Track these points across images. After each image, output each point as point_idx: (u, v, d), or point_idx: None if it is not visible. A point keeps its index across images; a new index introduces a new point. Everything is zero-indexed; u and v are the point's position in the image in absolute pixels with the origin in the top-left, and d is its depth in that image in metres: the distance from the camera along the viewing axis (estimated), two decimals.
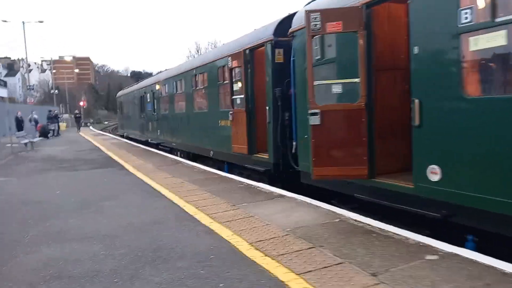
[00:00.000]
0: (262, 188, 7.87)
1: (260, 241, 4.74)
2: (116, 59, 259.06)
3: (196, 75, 13.07)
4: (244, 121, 9.30)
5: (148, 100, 20.07)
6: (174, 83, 15.60)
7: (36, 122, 30.18)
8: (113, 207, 6.99)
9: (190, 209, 6.54)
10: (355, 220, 5.36)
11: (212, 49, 12.62)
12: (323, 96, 6.05)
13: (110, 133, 49.15)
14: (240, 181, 8.85)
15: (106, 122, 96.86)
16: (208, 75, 11.97)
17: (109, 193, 8.35)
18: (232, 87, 9.97)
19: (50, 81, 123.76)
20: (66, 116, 60.86)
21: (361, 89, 5.53)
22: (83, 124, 53.98)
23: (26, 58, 30.86)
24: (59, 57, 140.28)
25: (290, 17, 7.82)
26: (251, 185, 8.32)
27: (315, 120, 5.70)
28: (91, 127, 59.83)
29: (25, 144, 19.82)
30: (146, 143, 21.05)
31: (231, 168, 11.56)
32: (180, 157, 15.49)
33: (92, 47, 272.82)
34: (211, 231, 5.27)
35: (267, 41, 8.43)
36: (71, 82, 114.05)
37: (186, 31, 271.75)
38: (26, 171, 12.60)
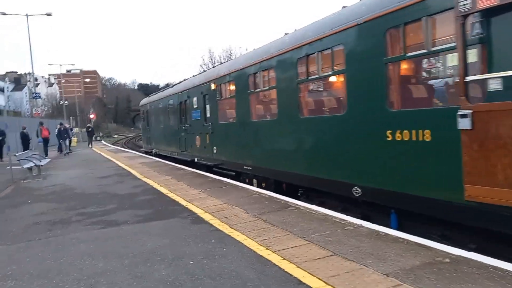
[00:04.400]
0: None
1: None
2: (123, 72, 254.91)
3: (307, 56, 7.74)
4: None
5: (195, 106, 14.76)
6: (249, 77, 10.29)
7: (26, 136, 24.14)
8: None
9: None
10: None
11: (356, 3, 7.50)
12: None
13: (125, 147, 44.10)
14: None
15: (115, 136, 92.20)
16: (349, 50, 6.63)
17: None
18: (464, 59, 4.60)
19: (58, 95, 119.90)
20: (75, 130, 55.91)
21: None
22: (97, 138, 48.98)
23: (31, 54, 25.52)
24: (67, 70, 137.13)
25: None
26: None
27: None
28: (102, 141, 54.89)
29: (29, 168, 14.60)
30: (189, 163, 15.72)
31: (403, 220, 6.20)
32: (260, 187, 10.15)
33: (98, 60, 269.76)
34: None
35: None
36: (78, 95, 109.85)
37: (194, 43, 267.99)
38: (27, 226, 7.28)
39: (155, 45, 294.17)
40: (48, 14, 26.91)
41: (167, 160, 18.57)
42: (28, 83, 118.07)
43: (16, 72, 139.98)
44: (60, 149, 27.19)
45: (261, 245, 5.27)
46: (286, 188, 9.47)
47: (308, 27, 8.05)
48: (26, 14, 26.57)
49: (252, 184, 10.75)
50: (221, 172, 13.14)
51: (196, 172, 13.23)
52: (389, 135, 5.87)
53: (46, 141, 25.15)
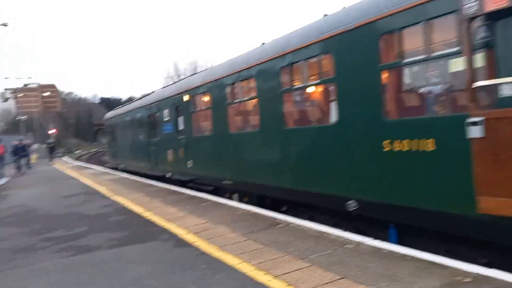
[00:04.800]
0: None
1: None
2: (84, 86, 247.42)
3: (292, 64, 7.39)
4: None
5: (166, 118, 14.11)
6: (226, 87, 9.85)
7: None
8: None
9: None
10: None
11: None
12: None
13: (88, 162, 42.19)
14: None
15: (77, 151, 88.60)
16: (339, 57, 6.33)
17: None
18: (471, 65, 4.37)
19: (14, 110, 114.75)
20: (35, 146, 53.26)
21: None
22: (58, 154, 46.72)
23: None
24: (24, 85, 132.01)
25: None
26: None
27: None
28: (64, 158, 52.51)
29: None
30: (160, 179, 14.98)
31: (401, 234, 5.91)
32: (241, 202, 9.63)
33: (57, 74, 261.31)
34: None
35: None
36: (37, 110, 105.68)
37: (157, 57, 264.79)
38: None
39: (116, 59, 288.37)
40: (4, 25, 25.51)
41: (135, 176, 17.70)
42: None
43: None
44: (18, 167, 25.56)
45: (258, 269, 4.77)
46: (271, 203, 9.01)
47: (292, 34, 7.73)
48: None
49: (232, 199, 10.23)
50: (197, 187, 12.56)
51: (170, 189, 12.54)
52: (386, 146, 5.56)
53: (1, 158, 23.60)
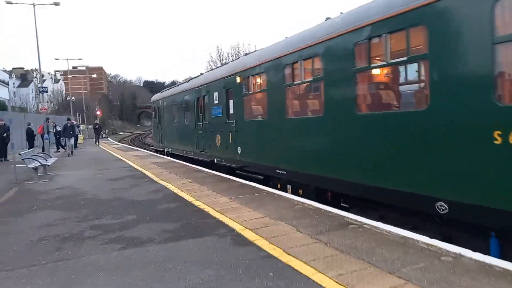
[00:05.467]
0: None
1: None
2: (129, 68, 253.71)
3: (370, 39, 6.37)
4: None
5: (216, 102, 13.43)
6: (285, 68, 8.96)
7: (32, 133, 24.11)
8: None
9: None
10: None
11: None
12: None
13: (131, 144, 42.72)
14: None
15: (121, 133, 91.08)
16: (434, 29, 5.27)
17: None
18: None
19: (64, 91, 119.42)
20: (82, 127, 54.85)
21: None
22: (104, 135, 47.79)
23: (38, 47, 24.07)
24: (73, 67, 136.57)
25: None
26: None
27: None
28: (109, 139, 53.89)
29: (34, 168, 13.32)
30: (206, 164, 14.42)
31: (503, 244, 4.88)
32: (296, 194, 8.80)
33: (104, 57, 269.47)
34: None
35: None
36: (85, 92, 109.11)
37: (200, 40, 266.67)
38: (31, 243, 5.96)
39: (161, 42, 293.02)
40: (56, 4, 25.69)
41: (180, 160, 17.30)
42: (35, 79, 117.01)
43: (22, 68, 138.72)
44: (59, 147, 25.58)
45: (340, 283, 3.94)
46: (332, 197, 8.14)
47: (371, 4, 6.69)
48: (33, 4, 25.36)
49: (285, 190, 9.43)
50: (246, 175, 11.87)
51: (219, 175, 11.91)
52: (498, 137, 4.52)
53: (42, 138, 24.22)
